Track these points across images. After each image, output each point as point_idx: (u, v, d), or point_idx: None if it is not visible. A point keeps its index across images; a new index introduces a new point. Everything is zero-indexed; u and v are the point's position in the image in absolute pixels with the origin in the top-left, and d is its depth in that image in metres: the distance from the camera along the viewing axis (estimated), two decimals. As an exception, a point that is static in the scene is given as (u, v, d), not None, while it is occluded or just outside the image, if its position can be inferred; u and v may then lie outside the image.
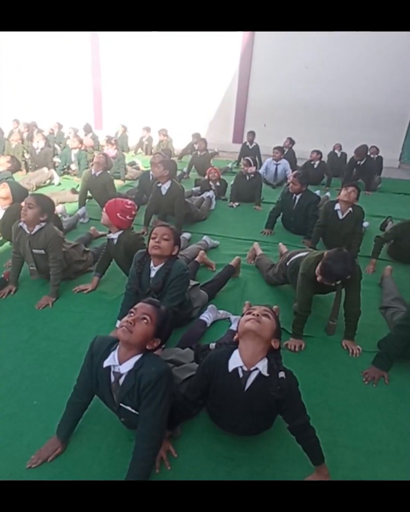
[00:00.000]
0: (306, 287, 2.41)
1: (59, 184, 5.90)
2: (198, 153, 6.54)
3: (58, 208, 4.43)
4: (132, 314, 1.46)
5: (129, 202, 2.68)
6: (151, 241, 2.22)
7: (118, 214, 2.61)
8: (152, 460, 1.48)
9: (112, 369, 1.50)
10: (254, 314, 1.52)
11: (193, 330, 2.44)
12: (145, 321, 1.43)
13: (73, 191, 5.29)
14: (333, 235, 3.72)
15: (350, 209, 3.59)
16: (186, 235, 3.92)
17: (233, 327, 2.48)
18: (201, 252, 3.34)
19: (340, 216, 3.62)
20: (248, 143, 7.62)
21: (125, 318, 1.47)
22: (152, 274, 2.30)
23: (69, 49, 10.49)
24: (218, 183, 5.52)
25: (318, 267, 2.25)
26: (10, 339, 2.39)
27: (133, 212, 2.68)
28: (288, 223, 4.43)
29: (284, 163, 6.33)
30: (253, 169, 5.21)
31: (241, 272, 3.29)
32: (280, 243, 3.68)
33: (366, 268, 3.49)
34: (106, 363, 1.50)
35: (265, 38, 8.85)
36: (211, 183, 5.47)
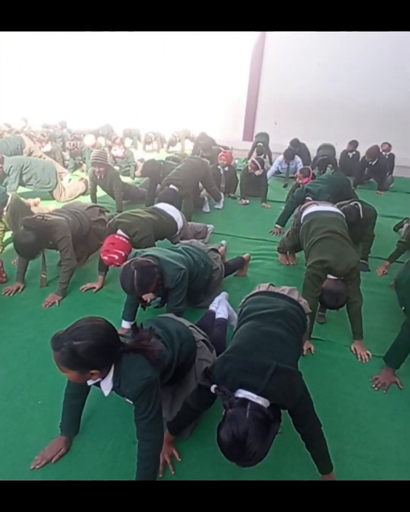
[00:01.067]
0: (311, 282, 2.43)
1: (70, 180, 5.93)
2: (202, 152, 6.51)
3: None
4: None
5: (107, 257, 2.68)
6: None
7: (119, 265, 2.61)
8: (153, 461, 1.46)
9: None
10: None
11: (207, 319, 2.41)
12: (63, 371, 1.34)
13: (85, 180, 5.34)
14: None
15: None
16: (209, 227, 3.93)
17: (220, 315, 2.43)
18: (222, 248, 3.39)
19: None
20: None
21: None
22: None
23: (76, 48, 10.39)
24: (226, 168, 5.37)
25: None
26: (17, 337, 2.39)
27: (125, 253, 2.67)
28: None
29: (296, 161, 6.25)
30: (260, 172, 5.12)
31: (248, 272, 3.26)
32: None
33: (377, 270, 3.42)
34: (90, 382, 1.45)
35: (276, 35, 8.71)
36: (219, 167, 5.35)
